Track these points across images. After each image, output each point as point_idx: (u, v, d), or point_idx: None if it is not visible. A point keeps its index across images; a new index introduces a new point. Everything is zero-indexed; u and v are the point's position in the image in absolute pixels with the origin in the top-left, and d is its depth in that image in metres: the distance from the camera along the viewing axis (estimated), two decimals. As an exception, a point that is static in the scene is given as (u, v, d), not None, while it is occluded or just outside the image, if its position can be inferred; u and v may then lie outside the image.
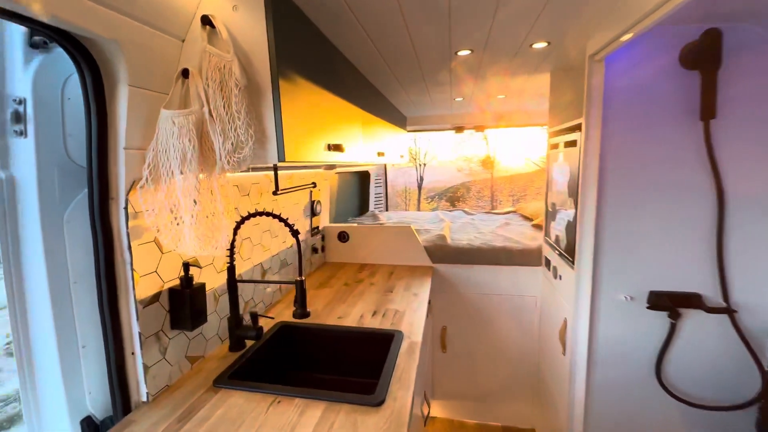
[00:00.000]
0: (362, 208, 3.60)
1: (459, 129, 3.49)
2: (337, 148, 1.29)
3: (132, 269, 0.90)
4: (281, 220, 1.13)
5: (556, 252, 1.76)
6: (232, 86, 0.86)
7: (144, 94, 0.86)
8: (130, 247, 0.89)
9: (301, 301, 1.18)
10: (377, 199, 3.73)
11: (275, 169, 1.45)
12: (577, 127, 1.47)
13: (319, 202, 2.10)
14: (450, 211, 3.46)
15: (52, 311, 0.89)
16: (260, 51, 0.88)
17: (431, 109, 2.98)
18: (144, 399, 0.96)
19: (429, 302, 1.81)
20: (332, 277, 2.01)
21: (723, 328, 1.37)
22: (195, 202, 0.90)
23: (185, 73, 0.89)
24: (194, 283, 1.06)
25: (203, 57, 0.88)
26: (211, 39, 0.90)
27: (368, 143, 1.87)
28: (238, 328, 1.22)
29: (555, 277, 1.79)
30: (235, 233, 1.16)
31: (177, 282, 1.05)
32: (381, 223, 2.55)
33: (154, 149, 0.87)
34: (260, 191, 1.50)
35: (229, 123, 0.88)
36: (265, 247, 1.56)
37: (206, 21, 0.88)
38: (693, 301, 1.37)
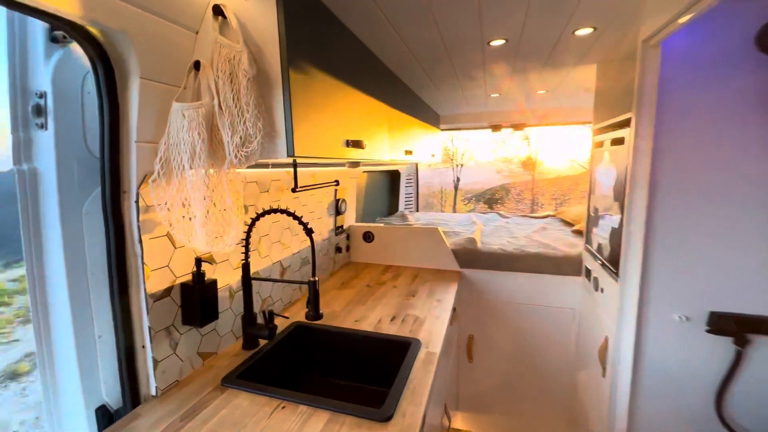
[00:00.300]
0: (392, 208, 3.53)
1: (496, 127, 3.33)
2: (356, 144, 1.24)
3: (143, 263, 0.90)
4: (295, 217, 1.09)
5: (598, 261, 1.59)
6: (241, 77, 0.83)
7: (156, 87, 0.85)
8: (141, 241, 0.89)
9: (313, 302, 1.14)
10: (408, 199, 3.65)
11: (294, 165, 1.42)
12: (626, 123, 1.30)
13: (344, 200, 2.07)
14: (483, 213, 3.30)
15: (69, 301, 0.91)
16: (271, 41, 0.85)
17: (465, 106, 2.86)
18: (153, 393, 0.96)
19: (454, 309, 1.71)
20: (355, 277, 1.96)
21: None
22: (204, 197, 0.88)
23: (197, 66, 0.87)
24: (206, 279, 1.05)
25: (214, 48, 0.85)
26: (222, 30, 0.87)
27: (395, 141, 1.80)
28: (251, 327, 1.20)
29: (596, 290, 1.62)
30: (249, 230, 1.14)
31: (190, 277, 1.04)
32: (407, 224, 2.47)
33: (165, 143, 0.86)
34: (280, 188, 1.48)
35: (238, 116, 0.85)
36: (285, 244, 1.54)
37: (218, 11, 0.85)
38: (765, 327, 1.16)
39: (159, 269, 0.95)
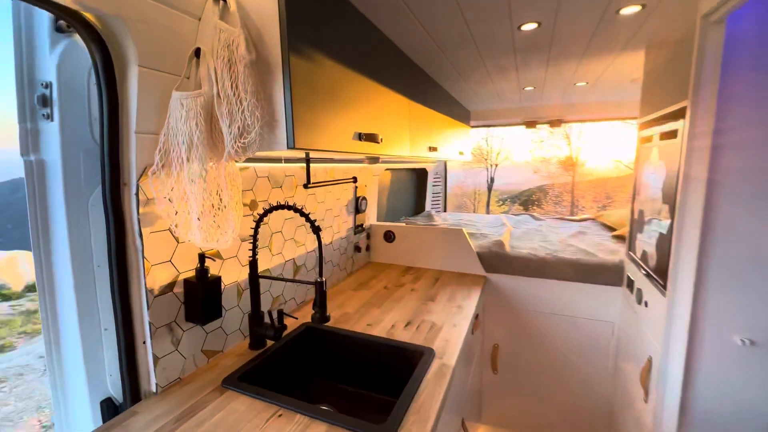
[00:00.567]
0: (418, 207, 3.43)
1: (530, 124, 3.13)
2: (370, 138, 1.16)
3: (143, 257, 0.88)
4: (302, 214, 1.04)
5: (642, 271, 1.41)
6: (238, 63, 0.78)
7: (156, 76, 0.82)
8: (141, 235, 0.87)
9: (320, 304, 1.07)
10: (435, 198, 3.53)
11: (307, 159, 1.37)
12: (680, 114, 1.13)
13: (364, 198, 2.00)
14: (516, 215, 3.12)
15: (75, 293, 0.91)
16: (271, 24, 0.79)
17: (497, 101, 2.70)
18: (153, 390, 0.94)
19: (477, 316, 1.60)
20: (373, 278, 1.89)
21: None
22: (202, 191, 0.84)
23: (198, 53, 0.84)
24: (210, 275, 1.02)
25: (214, 34, 0.81)
26: (223, 15, 0.83)
27: (417, 136, 1.71)
28: (258, 326, 1.16)
29: (639, 303, 1.44)
30: (257, 226, 1.10)
31: (193, 273, 1.02)
32: (431, 224, 2.37)
33: (165, 133, 0.83)
34: (294, 183, 1.43)
35: (236, 105, 0.80)
36: (298, 242, 1.50)
37: (218, -6, 0.81)
38: None
39: (160, 264, 0.92)
